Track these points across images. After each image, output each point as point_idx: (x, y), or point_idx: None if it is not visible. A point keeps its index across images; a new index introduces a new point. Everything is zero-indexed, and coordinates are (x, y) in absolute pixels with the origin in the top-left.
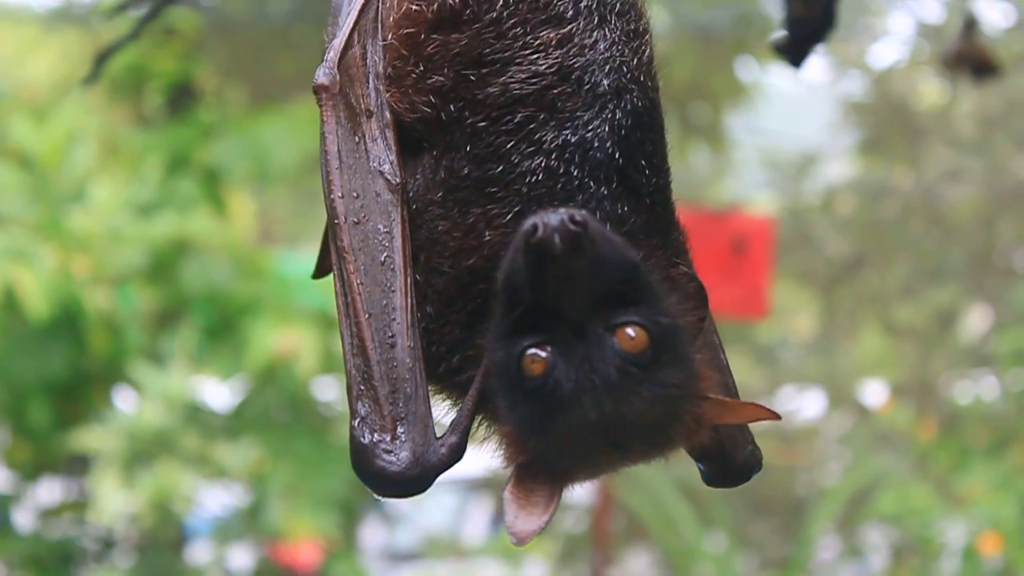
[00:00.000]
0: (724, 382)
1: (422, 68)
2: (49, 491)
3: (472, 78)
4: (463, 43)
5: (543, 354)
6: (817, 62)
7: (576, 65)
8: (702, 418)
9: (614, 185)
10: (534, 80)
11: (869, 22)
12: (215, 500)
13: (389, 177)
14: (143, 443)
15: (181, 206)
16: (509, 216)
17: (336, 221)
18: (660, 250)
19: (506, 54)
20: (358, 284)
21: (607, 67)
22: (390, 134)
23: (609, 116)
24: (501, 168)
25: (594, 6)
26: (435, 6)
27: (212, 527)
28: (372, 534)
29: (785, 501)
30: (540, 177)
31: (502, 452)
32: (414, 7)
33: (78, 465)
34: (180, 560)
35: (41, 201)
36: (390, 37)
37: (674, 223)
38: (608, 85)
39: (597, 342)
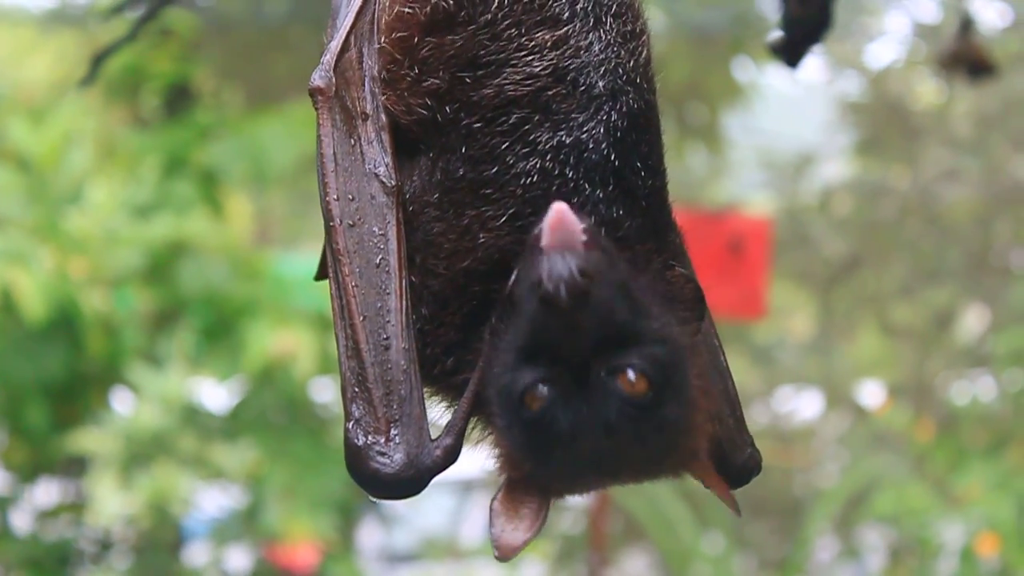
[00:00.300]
0: (724, 388)
1: (417, 71)
2: (46, 493)
3: (467, 80)
4: (458, 45)
5: (543, 391)
6: (813, 62)
7: (571, 67)
8: (696, 451)
9: (610, 187)
10: (529, 81)
11: (865, 22)
12: (212, 501)
13: (384, 180)
14: (140, 445)
15: (178, 207)
16: (504, 218)
17: (331, 224)
18: (656, 254)
19: (501, 55)
20: (353, 286)
21: (602, 69)
22: (386, 137)
23: (604, 118)
24: (496, 169)
25: (590, 8)
26: (428, 8)
27: (209, 528)
28: (369, 535)
29: (783, 502)
30: (535, 179)
31: (495, 462)
32: (406, 10)
33: (75, 467)
34: (177, 561)
35: (38, 202)
36: (383, 40)
37: (671, 225)
38: (603, 87)
39: (598, 384)
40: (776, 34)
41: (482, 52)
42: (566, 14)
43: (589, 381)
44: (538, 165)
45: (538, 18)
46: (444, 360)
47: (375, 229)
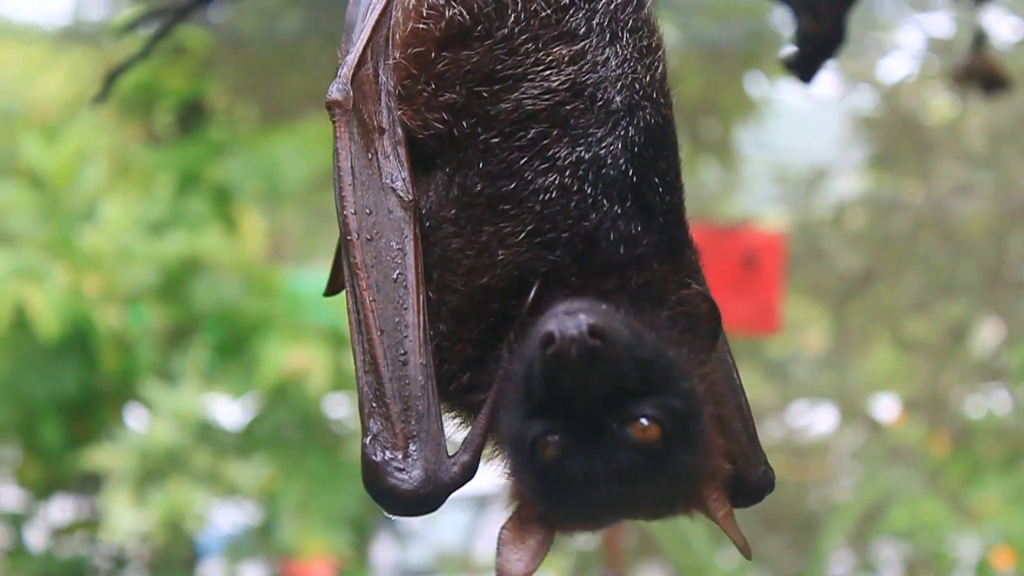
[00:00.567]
0: (737, 404)
1: (433, 86)
2: (61, 510)
3: (484, 95)
4: (474, 60)
5: (555, 440)
6: (827, 77)
7: (588, 82)
8: (706, 497)
9: (628, 204)
10: (547, 96)
11: (879, 37)
12: (227, 518)
13: (402, 194)
14: (155, 461)
15: (192, 224)
16: (522, 234)
17: (349, 237)
18: (673, 273)
19: (518, 70)
20: (371, 301)
21: (619, 84)
22: (402, 151)
23: (622, 133)
24: (514, 185)
25: (606, 23)
26: (443, 24)
27: (224, 545)
28: (384, 551)
29: (797, 516)
30: (553, 195)
31: (507, 491)
32: (421, 26)
33: (90, 484)
34: None
35: (52, 220)
36: (399, 55)
37: (687, 242)
38: (620, 102)
39: (610, 433)
40: (789, 49)
41: (499, 67)
42: (583, 29)
43: (601, 430)
44: (557, 181)
45: (555, 33)
46: (460, 376)
47: (393, 244)
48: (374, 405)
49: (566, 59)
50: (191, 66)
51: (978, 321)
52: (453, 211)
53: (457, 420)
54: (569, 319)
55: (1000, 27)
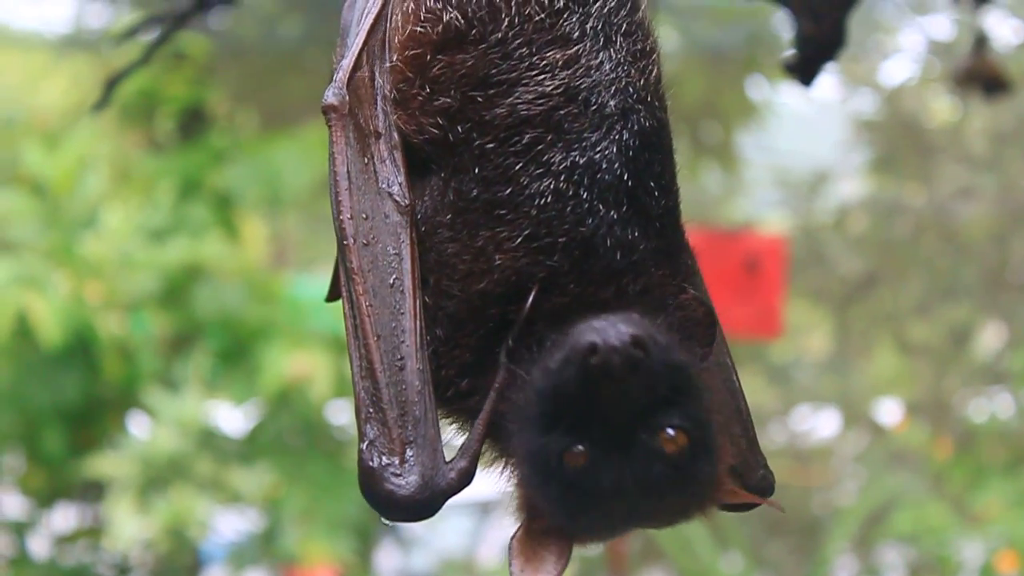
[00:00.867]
0: (736, 407)
1: (428, 90)
2: (64, 518)
3: (479, 99)
4: (469, 64)
5: (583, 451)
6: (828, 80)
7: (583, 86)
8: (718, 499)
9: (624, 208)
10: (541, 101)
11: (879, 40)
12: (230, 525)
13: (398, 199)
14: (157, 469)
15: (193, 231)
16: (519, 239)
17: (345, 242)
18: (670, 278)
19: (513, 75)
20: (367, 306)
21: (613, 88)
22: (398, 155)
23: (617, 137)
24: (510, 190)
25: (600, 27)
26: (440, 27)
27: (227, 552)
28: (387, 558)
29: (801, 521)
30: (549, 200)
31: (515, 502)
32: (418, 29)
33: (93, 491)
34: None
35: (53, 227)
36: (396, 59)
37: (684, 246)
38: (615, 106)
39: (638, 444)
40: (790, 52)
41: (494, 71)
42: (576, 33)
43: (630, 441)
44: (552, 186)
45: (549, 37)
46: (458, 382)
47: (389, 248)
48: (371, 410)
49: (560, 63)
50: (192, 73)
51: (981, 324)
52: (449, 216)
53: (454, 425)
54: (610, 329)
55: (1001, 29)
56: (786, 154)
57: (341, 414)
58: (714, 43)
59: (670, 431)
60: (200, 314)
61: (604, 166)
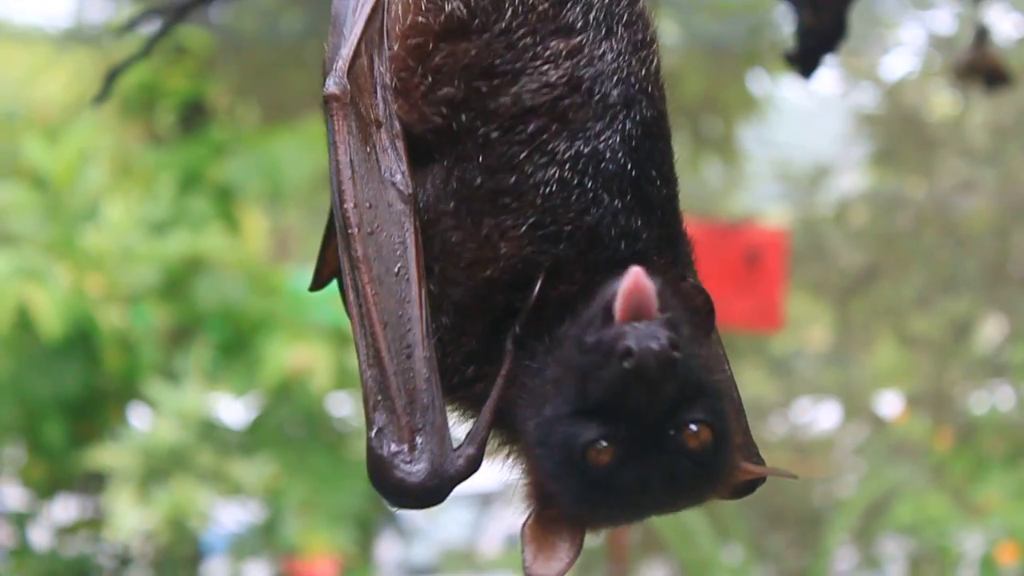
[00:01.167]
0: (729, 395)
1: (431, 79)
2: (65, 509)
3: (483, 89)
4: (472, 53)
5: (608, 447)
6: (828, 74)
7: (586, 76)
8: (733, 484)
9: (627, 198)
10: (546, 90)
11: (880, 33)
12: (231, 516)
13: (401, 187)
14: (158, 460)
15: (194, 224)
16: (524, 227)
17: (350, 231)
18: (672, 266)
19: (517, 64)
20: (373, 295)
21: (615, 78)
22: (400, 144)
23: (620, 127)
24: (514, 179)
25: (602, 17)
26: (442, 17)
27: (228, 543)
28: (388, 549)
29: (801, 512)
30: (554, 188)
31: (525, 492)
32: (420, 19)
33: (93, 483)
34: None
35: (54, 220)
36: (397, 48)
37: (682, 235)
38: (617, 96)
39: (663, 440)
40: (791, 45)
41: (498, 61)
42: (579, 23)
43: (652, 436)
44: (557, 175)
45: (552, 27)
46: (464, 370)
47: (394, 237)
48: (379, 398)
49: (564, 53)
50: (192, 66)
51: (981, 317)
52: (452, 204)
53: (459, 413)
54: (645, 330)
55: (1002, 23)
56: (787, 147)
57: (342, 406)
58: (715, 37)
59: (693, 427)
60: (201, 306)
61: (608, 155)
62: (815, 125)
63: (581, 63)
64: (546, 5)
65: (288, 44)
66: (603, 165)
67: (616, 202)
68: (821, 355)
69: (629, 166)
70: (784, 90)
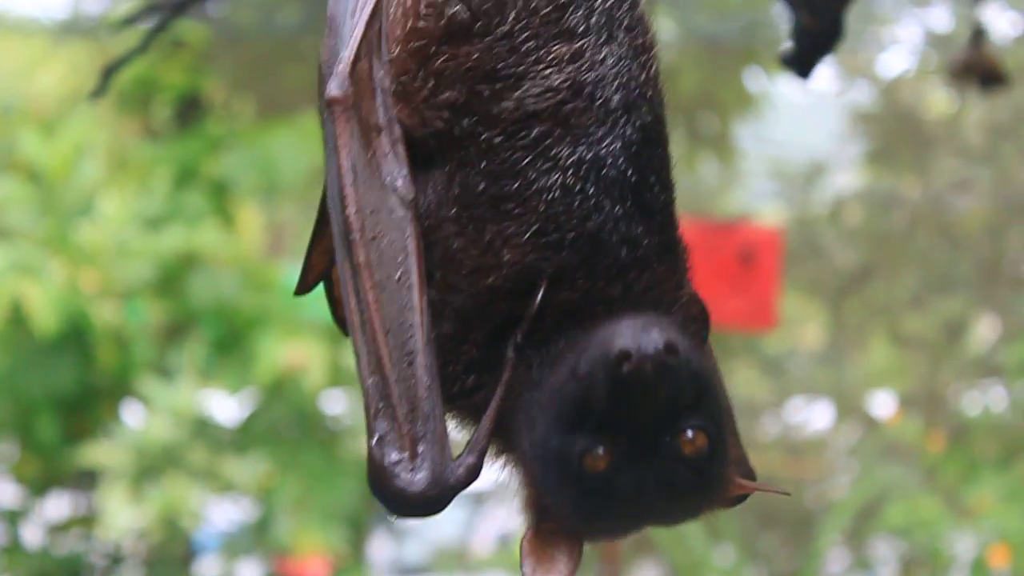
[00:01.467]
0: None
1: (432, 83)
2: (57, 506)
3: (486, 93)
4: (474, 57)
5: (604, 454)
6: (825, 72)
7: (588, 80)
8: (728, 496)
9: (628, 204)
10: (549, 95)
11: (877, 32)
12: (223, 515)
13: (403, 193)
14: (151, 458)
15: (189, 219)
16: (527, 234)
17: (352, 237)
18: (671, 273)
19: (519, 68)
20: (375, 301)
21: (616, 83)
22: (401, 149)
23: (621, 132)
24: (517, 184)
25: (603, 21)
26: (444, 21)
27: (220, 542)
28: (380, 548)
29: (793, 514)
30: (557, 194)
31: (522, 504)
32: (421, 23)
33: (86, 480)
34: (188, 575)
35: (49, 215)
36: (397, 51)
37: (678, 240)
38: (618, 101)
39: (659, 446)
40: (788, 44)
41: (500, 65)
42: (581, 27)
43: (649, 443)
44: (560, 180)
45: (555, 31)
46: (464, 378)
47: (395, 243)
48: (380, 406)
49: (566, 57)
50: (189, 60)
51: (975, 317)
52: (454, 210)
53: (459, 421)
54: (643, 335)
55: (999, 22)
56: (782, 145)
57: (335, 404)
58: (711, 34)
59: (690, 433)
60: (195, 303)
61: (609, 161)
62: (811, 122)
63: (583, 68)
64: (549, 9)
65: (285, 38)
66: (604, 171)
67: (617, 208)
68: (814, 354)
69: (629, 172)
70: (780, 87)
